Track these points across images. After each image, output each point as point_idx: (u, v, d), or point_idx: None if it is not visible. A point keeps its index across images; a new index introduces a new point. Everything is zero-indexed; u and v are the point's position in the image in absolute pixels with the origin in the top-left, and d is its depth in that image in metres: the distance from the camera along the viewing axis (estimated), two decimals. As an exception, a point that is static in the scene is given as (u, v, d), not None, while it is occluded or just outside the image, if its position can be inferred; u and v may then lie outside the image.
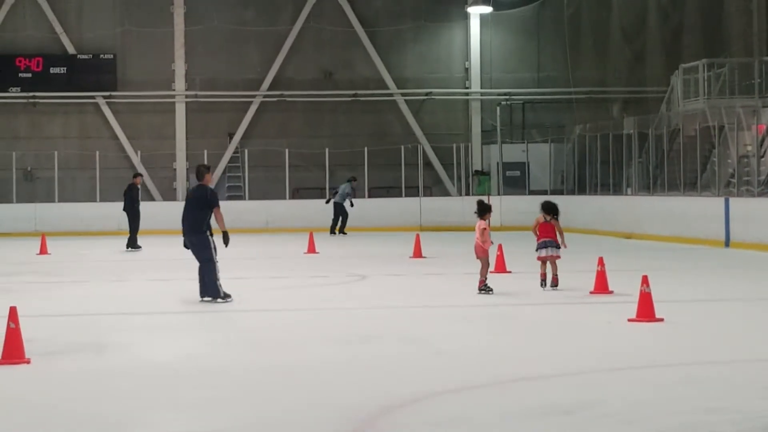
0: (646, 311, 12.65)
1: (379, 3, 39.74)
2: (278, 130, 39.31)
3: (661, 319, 12.60)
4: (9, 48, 38.06)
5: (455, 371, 9.83)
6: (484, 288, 15.65)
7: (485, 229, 15.64)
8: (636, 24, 37.29)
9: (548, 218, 16.28)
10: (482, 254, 15.64)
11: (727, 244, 25.60)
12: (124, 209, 27.79)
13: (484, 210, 15.88)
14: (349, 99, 39.44)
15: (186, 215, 15.40)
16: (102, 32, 38.52)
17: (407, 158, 38.14)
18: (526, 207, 29.20)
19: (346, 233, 33.63)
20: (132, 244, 27.42)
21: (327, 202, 34.15)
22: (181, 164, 38.89)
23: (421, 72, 39.96)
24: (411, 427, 7.75)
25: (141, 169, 37.94)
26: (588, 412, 8.01)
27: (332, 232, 33.72)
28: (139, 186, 28.47)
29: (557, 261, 16.18)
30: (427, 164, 39.27)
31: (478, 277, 15.75)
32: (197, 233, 15.22)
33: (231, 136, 38.98)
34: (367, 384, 9.27)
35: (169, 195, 38.66)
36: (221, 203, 15.63)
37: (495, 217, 35.47)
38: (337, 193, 34.02)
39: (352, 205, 33.79)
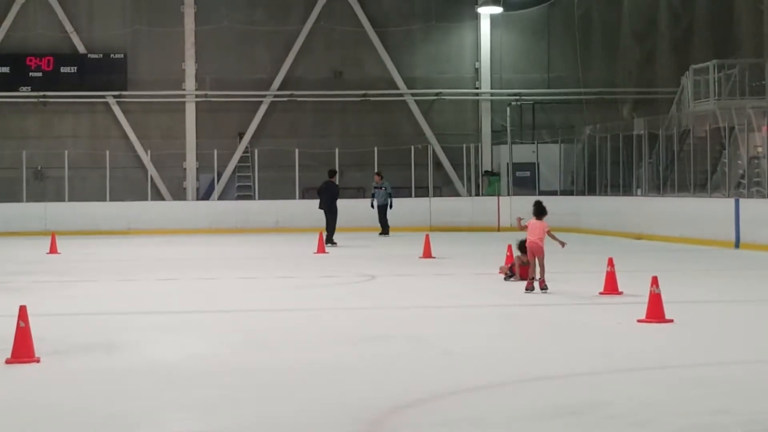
0: (655, 312, 12.63)
1: (390, 3, 39.72)
2: (288, 129, 39.31)
3: (671, 320, 12.58)
4: (20, 47, 38.10)
5: (464, 372, 9.82)
6: (545, 287, 15.87)
7: (549, 231, 16.00)
8: (646, 25, 37.21)
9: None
10: (540, 254, 15.77)
11: (737, 245, 25.55)
12: (320, 207, 28.64)
13: (542, 211, 16.18)
14: (359, 99, 39.44)
15: None
16: (112, 32, 38.57)
17: (417, 158, 38.12)
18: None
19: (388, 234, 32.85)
20: (329, 240, 28.01)
21: (373, 206, 33.00)
22: (191, 164, 38.90)
23: (431, 72, 39.94)
24: (419, 427, 7.75)
25: (151, 168, 38.03)
26: (597, 413, 8.00)
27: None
28: (336, 183, 28.96)
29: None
30: (437, 164, 39.25)
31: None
32: None
33: (241, 135, 39.00)
34: (376, 384, 9.26)
35: (178, 194, 38.67)
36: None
37: (504, 218, 35.67)
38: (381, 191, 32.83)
39: (390, 206, 32.76)
